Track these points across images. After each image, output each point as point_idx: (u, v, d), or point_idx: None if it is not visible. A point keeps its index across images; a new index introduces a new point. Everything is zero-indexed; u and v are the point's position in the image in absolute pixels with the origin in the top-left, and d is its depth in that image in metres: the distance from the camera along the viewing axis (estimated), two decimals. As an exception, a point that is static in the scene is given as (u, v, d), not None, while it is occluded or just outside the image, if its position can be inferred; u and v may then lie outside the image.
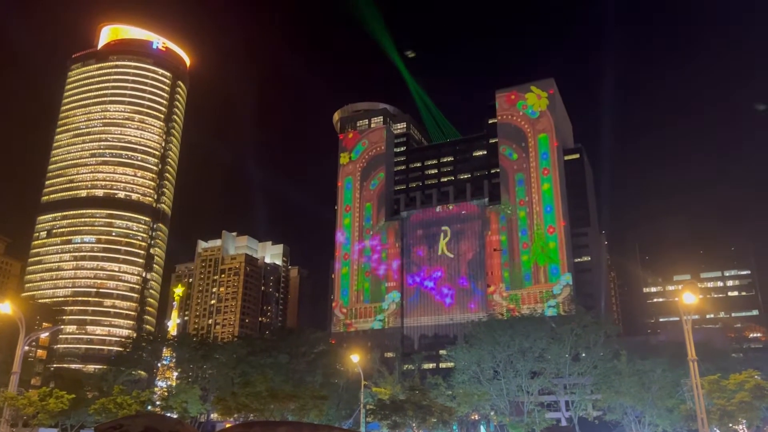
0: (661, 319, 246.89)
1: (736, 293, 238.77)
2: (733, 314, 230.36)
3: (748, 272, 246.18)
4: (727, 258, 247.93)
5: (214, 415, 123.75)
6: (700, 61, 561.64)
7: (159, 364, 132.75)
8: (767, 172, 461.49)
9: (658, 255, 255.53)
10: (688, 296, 45.86)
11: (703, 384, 50.55)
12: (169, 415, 77.44)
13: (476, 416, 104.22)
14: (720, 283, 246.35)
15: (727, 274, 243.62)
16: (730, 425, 63.57)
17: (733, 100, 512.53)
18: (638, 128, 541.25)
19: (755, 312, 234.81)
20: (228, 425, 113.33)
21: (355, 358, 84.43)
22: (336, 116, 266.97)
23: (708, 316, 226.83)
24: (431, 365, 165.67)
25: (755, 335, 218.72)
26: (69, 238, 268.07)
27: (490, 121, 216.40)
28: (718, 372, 69.86)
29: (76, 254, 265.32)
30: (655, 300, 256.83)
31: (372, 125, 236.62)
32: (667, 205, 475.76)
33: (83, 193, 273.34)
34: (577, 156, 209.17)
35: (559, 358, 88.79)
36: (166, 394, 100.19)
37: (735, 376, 64.69)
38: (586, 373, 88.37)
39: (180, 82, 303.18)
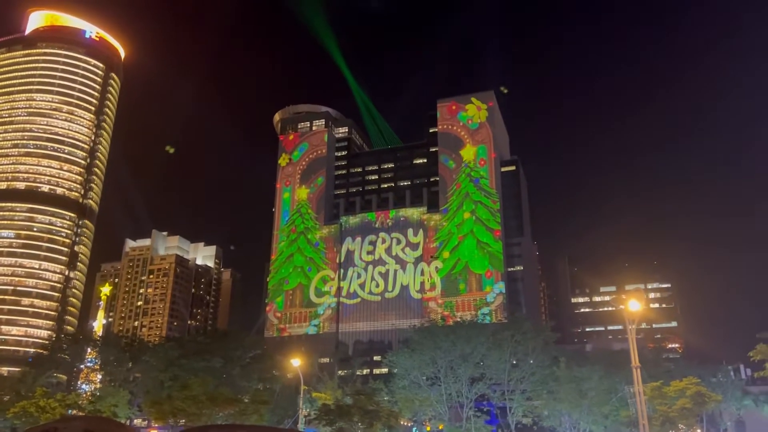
0: (587, 329, 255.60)
1: (657, 305, 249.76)
2: (654, 325, 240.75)
3: (669, 285, 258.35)
4: (650, 271, 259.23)
5: (137, 421, 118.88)
6: (640, 72, 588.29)
7: (82, 367, 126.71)
8: (693, 191, 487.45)
9: (586, 266, 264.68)
10: (633, 304, 47.09)
11: (644, 391, 52.11)
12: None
13: (409, 422, 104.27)
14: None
15: (649, 286, 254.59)
16: (671, 431, 66.00)
17: (661, 115, 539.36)
18: (573, 141, 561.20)
19: (674, 324, 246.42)
20: (152, 431, 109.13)
21: (296, 363, 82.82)
22: (277, 117, 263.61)
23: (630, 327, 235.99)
24: (366, 371, 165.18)
25: (673, 346, 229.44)
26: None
27: (431, 130, 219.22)
28: (651, 380, 72.45)
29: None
30: (582, 310, 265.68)
31: (313, 128, 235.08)
32: (596, 219, 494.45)
33: (3, 185, 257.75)
34: (513, 168, 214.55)
35: (498, 364, 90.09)
36: (91, 397, 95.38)
37: (676, 383, 67.15)
38: (525, 379, 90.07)
39: (113, 74, 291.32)
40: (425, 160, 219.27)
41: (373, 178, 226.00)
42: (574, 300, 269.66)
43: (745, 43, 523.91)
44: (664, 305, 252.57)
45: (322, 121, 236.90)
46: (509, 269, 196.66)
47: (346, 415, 66.73)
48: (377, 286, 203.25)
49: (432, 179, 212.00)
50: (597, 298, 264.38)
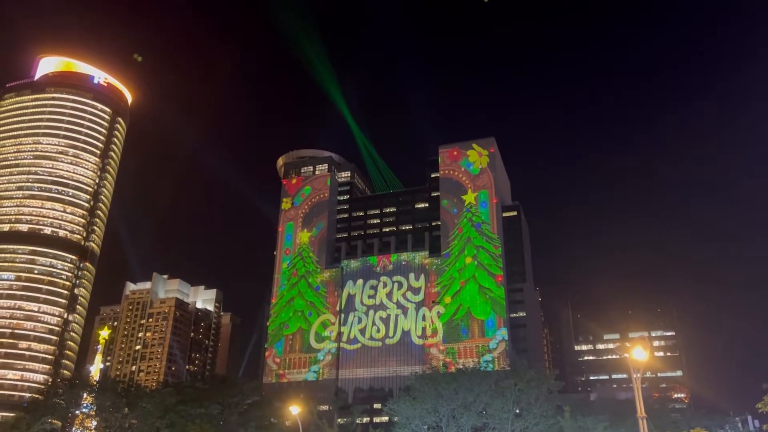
0: (591, 377, 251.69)
1: (661, 353, 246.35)
2: (659, 374, 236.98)
3: (673, 333, 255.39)
4: (654, 319, 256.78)
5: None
6: (641, 121, 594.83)
7: (78, 412, 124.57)
8: (696, 235, 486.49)
9: (590, 313, 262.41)
10: (638, 352, 46.28)
11: (651, 441, 50.83)
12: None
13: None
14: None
15: (653, 334, 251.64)
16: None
17: (671, 162, 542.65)
18: (574, 187, 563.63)
19: (679, 373, 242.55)
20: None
21: (295, 410, 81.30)
22: (280, 161, 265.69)
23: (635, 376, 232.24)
24: (366, 419, 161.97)
25: (679, 395, 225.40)
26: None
27: (433, 175, 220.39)
28: (657, 431, 70.85)
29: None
30: (585, 358, 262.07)
31: (316, 172, 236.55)
32: (599, 265, 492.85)
33: (5, 227, 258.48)
34: (514, 213, 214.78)
35: (501, 413, 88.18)
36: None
37: (684, 434, 65.77)
38: (528, 429, 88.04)
39: (120, 119, 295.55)
40: (427, 205, 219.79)
41: (374, 222, 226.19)
42: (577, 347, 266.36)
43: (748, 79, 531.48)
44: (668, 353, 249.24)
45: (325, 166, 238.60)
46: (512, 315, 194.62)
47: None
48: (378, 331, 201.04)
49: (434, 223, 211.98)
50: (600, 346, 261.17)
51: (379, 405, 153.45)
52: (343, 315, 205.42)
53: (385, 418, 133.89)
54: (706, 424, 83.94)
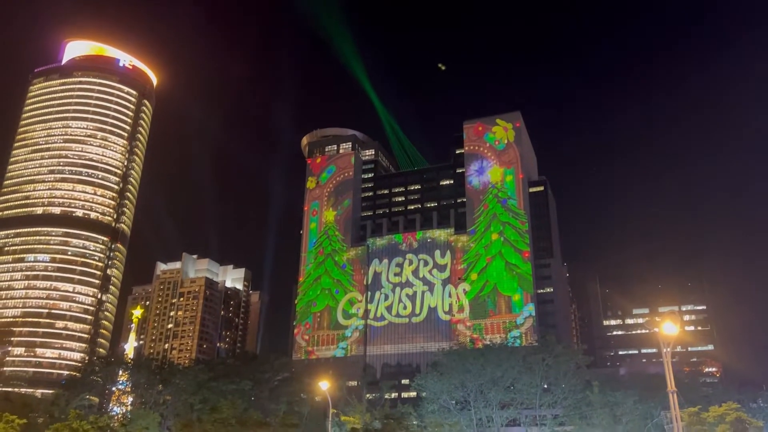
0: (620, 352, 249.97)
1: (692, 328, 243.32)
2: (689, 349, 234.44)
3: (704, 307, 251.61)
4: (684, 293, 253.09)
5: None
6: (665, 93, 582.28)
7: (114, 389, 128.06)
8: (728, 208, 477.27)
9: (618, 288, 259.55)
10: (668, 326, 45.97)
11: (682, 416, 50.60)
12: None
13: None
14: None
15: (684, 308, 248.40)
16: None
17: (699, 134, 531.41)
18: (603, 160, 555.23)
19: (711, 347, 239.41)
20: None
21: (324, 385, 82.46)
22: (304, 141, 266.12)
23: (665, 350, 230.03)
24: (394, 394, 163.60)
25: (710, 369, 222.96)
26: (21, 256, 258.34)
27: (458, 151, 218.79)
28: (688, 405, 70.24)
29: (29, 273, 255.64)
30: (614, 333, 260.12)
31: (340, 151, 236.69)
32: (627, 239, 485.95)
33: (39, 210, 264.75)
34: (541, 188, 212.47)
35: (530, 388, 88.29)
36: (123, 419, 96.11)
37: (714, 408, 64.82)
38: (557, 404, 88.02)
39: (146, 101, 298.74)
40: (452, 182, 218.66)
41: (399, 199, 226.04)
42: (606, 322, 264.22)
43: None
44: (699, 328, 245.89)
45: (349, 144, 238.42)
46: (539, 291, 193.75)
47: (375, 440, 65.98)
48: (404, 308, 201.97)
49: (459, 200, 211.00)
50: (630, 321, 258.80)
51: (407, 381, 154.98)
52: (369, 292, 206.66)
53: (413, 394, 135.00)
54: (738, 398, 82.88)
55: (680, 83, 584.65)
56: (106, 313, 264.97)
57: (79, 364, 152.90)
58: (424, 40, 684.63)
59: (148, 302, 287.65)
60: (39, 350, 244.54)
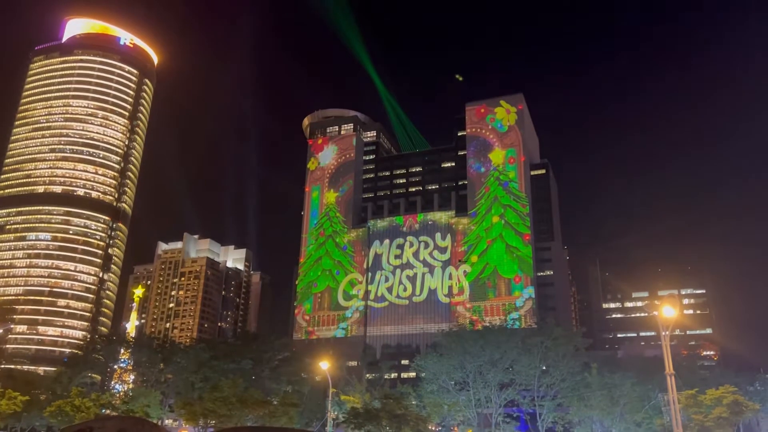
0: (619, 335, 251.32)
1: (691, 311, 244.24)
2: (688, 332, 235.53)
3: (703, 291, 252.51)
4: (684, 277, 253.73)
5: (168, 421, 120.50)
6: (669, 77, 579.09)
7: (116, 367, 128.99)
8: (727, 193, 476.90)
9: (618, 271, 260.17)
10: (667, 310, 46.14)
11: (679, 399, 50.99)
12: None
13: (437, 427, 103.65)
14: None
15: (683, 292, 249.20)
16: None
17: (700, 119, 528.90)
18: (604, 144, 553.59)
19: (709, 330, 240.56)
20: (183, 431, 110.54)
21: (324, 365, 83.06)
22: (306, 121, 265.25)
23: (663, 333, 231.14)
24: (393, 375, 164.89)
25: (708, 353, 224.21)
26: (23, 234, 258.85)
27: (459, 134, 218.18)
28: (686, 388, 70.75)
29: (30, 252, 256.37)
30: (613, 316, 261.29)
31: (342, 132, 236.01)
32: (627, 222, 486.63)
33: (40, 188, 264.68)
34: (543, 171, 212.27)
35: (528, 369, 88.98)
36: (125, 397, 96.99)
37: (711, 391, 65.33)
38: (555, 386, 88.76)
39: (147, 80, 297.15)
40: (453, 164, 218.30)
41: (401, 181, 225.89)
42: (605, 305, 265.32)
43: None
44: (698, 311, 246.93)
45: (351, 125, 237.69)
46: (539, 274, 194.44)
47: (375, 419, 66.61)
48: (405, 290, 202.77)
49: (460, 183, 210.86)
50: (629, 304, 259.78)
51: (407, 361, 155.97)
52: (370, 274, 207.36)
53: (413, 374, 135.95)
54: (736, 381, 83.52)
55: (682, 66, 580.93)
56: (107, 291, 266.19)
57: (81, 342, 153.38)
58: (427, 21, 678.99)
59: (149, 281, 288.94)
60: (41, 328, 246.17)
